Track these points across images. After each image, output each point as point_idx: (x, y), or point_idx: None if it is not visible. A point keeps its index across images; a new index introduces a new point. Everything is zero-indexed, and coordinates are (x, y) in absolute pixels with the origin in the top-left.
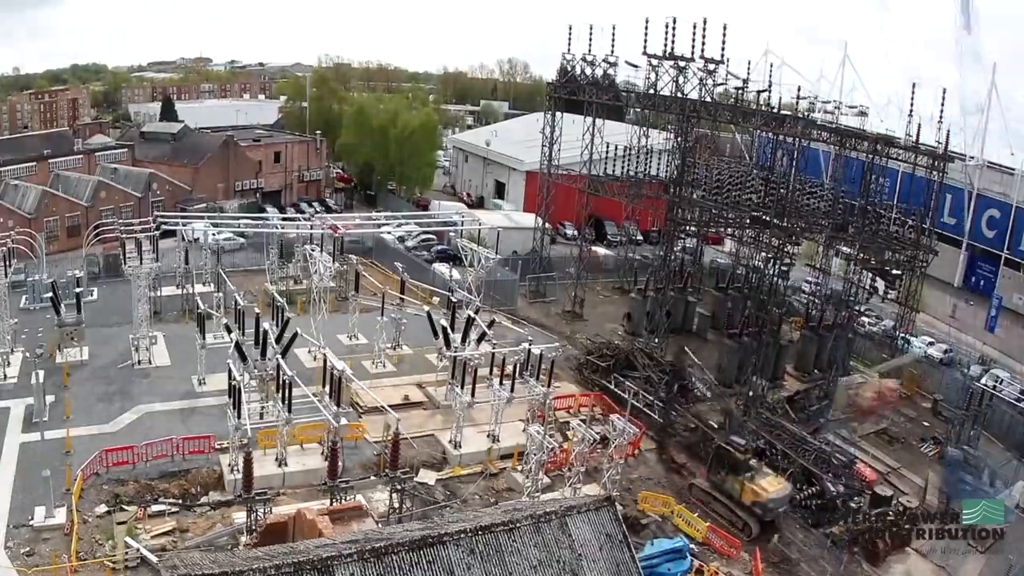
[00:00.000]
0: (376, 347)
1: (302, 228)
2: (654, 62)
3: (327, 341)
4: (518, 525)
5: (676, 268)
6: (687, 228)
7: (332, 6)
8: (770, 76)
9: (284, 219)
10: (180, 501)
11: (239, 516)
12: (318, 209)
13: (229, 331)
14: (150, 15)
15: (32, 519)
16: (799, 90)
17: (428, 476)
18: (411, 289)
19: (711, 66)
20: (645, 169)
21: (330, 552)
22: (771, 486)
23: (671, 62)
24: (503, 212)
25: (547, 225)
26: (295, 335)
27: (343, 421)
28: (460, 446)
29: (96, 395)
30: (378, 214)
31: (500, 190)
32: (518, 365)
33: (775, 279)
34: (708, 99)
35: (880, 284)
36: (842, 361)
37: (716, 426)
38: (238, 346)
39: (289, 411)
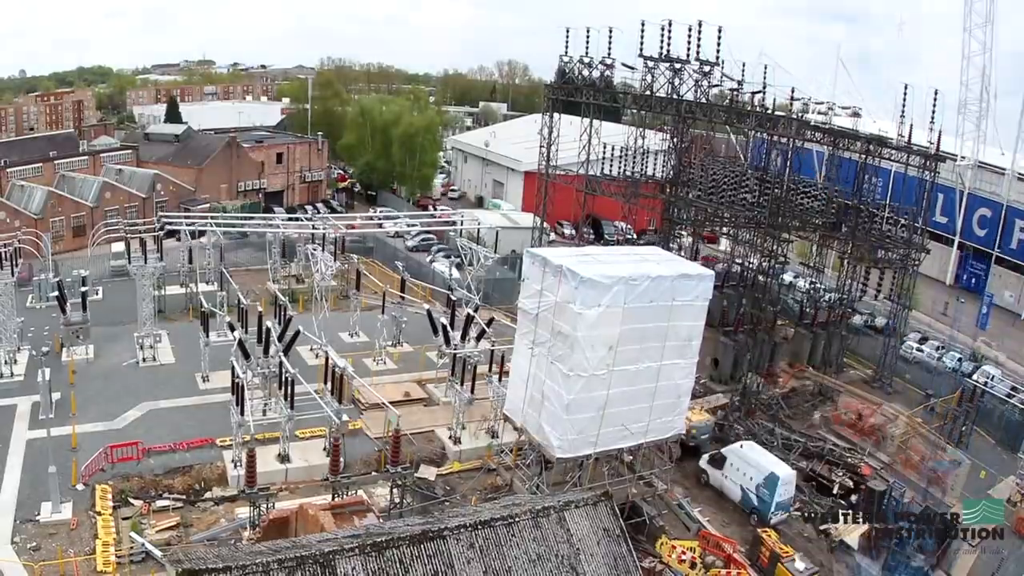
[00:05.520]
0: (377, 345)
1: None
2: (650, 64)
3: (329, 339)
4: (517, 520)
5: None
6: (683, 227)
7: (333, 9)
8: (764, 78)
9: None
10: (184, 496)
11: (242, 511)
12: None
13: (232, 329)
14: (153, 18)
15: (39, 514)
16: (793, 91)
17: (428, 472)
18: (411, 288)
19: (706, 68)
20: (642, 169)
21: (332, 546)
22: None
23: (667, 64)
24: (501, 212)
25: (545, 224)
26: (297, 333)
27: (344, 418)
28: (460, 442)
29: (101, 392)
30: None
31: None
32: None
33: (769, 277)
34: (703, 100)
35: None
36: (836, 358)
37: None
38: (241, 344)
39: (291, 408)
